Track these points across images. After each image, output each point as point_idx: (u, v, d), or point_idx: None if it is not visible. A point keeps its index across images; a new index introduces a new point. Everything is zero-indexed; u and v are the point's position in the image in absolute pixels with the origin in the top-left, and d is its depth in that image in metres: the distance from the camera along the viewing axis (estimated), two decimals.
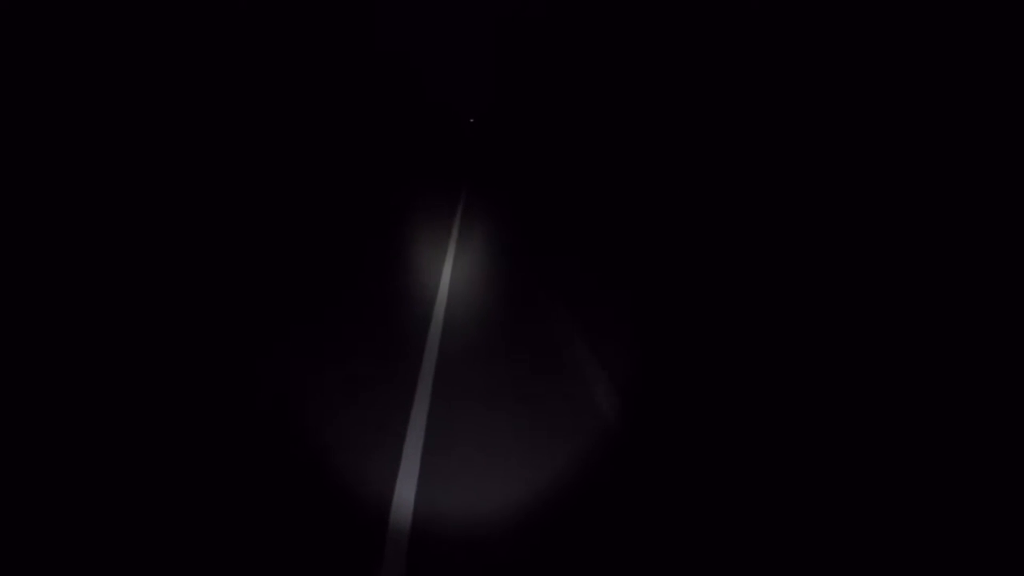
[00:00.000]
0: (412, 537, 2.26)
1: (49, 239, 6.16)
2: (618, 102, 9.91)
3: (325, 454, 2.79)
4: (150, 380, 3.50)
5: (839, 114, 4.66)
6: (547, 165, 13.67)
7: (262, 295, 5.27)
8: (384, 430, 3.03)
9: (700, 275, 6.12)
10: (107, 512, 2.33)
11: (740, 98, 6.18)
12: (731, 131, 6.35)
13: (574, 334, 4.47)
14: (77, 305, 4.78)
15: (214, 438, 2.90)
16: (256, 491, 2.50)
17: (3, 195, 5.95)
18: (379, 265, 6.59)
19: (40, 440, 2.82)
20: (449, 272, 6.40)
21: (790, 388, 3.54)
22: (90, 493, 2.44)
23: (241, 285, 5.57)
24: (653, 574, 2.09)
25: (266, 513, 2.37)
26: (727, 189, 6.37)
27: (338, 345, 4.17)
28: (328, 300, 5.21)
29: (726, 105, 6.48)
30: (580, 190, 12.22)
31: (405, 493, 2.51)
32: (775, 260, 5.32)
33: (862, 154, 4.38)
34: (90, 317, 4.53)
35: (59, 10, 6.66)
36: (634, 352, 4.13)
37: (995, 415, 2.99)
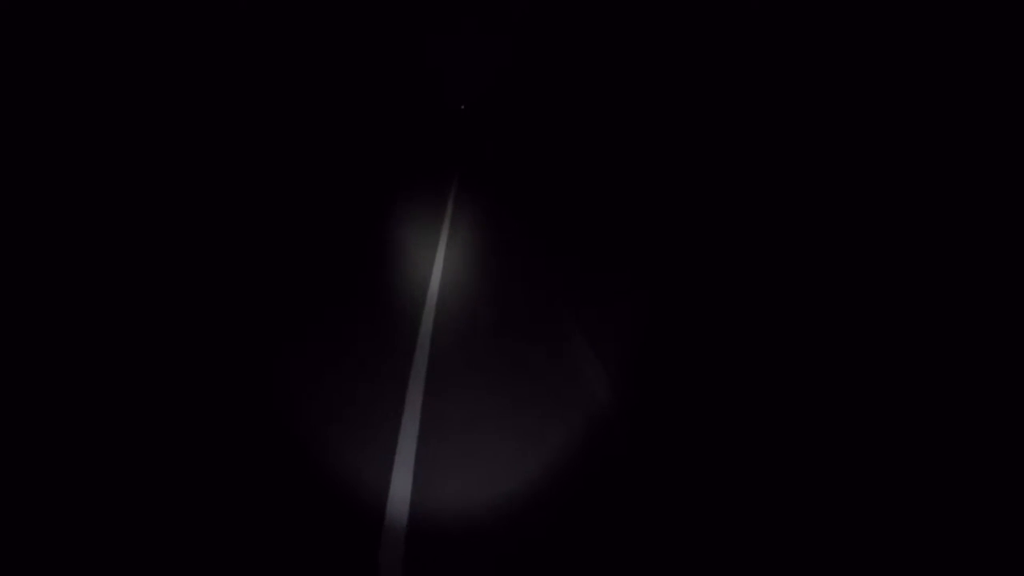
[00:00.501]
0: (409, 531, 2.26)
1: (50, 239, 6.16)
2: (618, 94, 9.92)
3: (319, 449, 2.79)
4: (144, 377, 3.50)
5: (839, 113, 4.66)
6: (541, 153, 13.65)
7: (252, 292, 5.27)
8: (378, 425, 3.03)
9: (697, 268, 6.12)
10: (105, 511, 2.33)
11: (738, 92, 6.18)
12: (730, 125, 6.36)
13: (569, 326, 4.46)
14: (75, 306, 4.79)
15: (208, 435, 2.90)
16: (251, 488, 2.50)
17: (5, 195, 5.96)
18: (369, 258, 6.59)
19: (41, 439, 2.83)
20: (441, 264, 6.40)
21: (786, 380, 3.54)
22: (89, 492, 2.44)
23: (232, 282, 5.57)
24: (649, 567, 2.08)
25: (262, 509, 2.36)
26: (726, 183, 6.37)
27: (329, 340, 4.17)
28: (318, 295, 5.21)
29: (726, 99, 6.49)
30: (575, 180, 12.22)
31: (401, 487, 2.51)
32: (775, 256, 5.32)
33: (862, 153, 4.38)
34: (88, 317, 4.53)
35: (59, 10, 6.66)
36: (630, 345, 4.13)
37: (995, 415, 2.98)
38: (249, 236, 7.79)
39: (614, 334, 4.43)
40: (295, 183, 11.93)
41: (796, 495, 2.51)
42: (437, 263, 6.49)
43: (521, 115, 14.85)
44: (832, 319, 4.34)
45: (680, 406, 3.31)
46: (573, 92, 12.34)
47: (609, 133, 10.49)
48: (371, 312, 4.85)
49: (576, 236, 8.23)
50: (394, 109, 17.45)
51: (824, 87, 4.83)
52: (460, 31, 17.42)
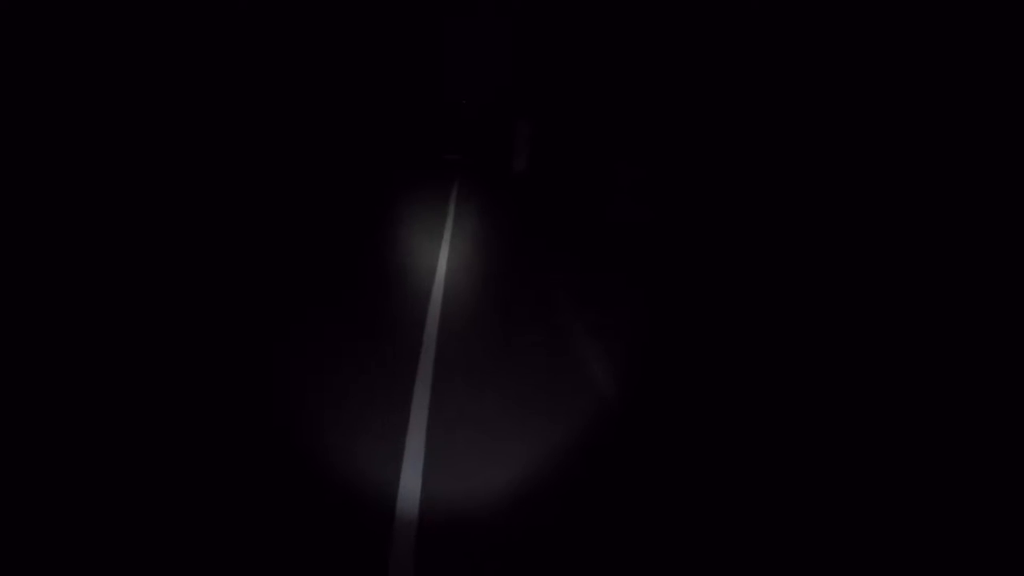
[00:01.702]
0: (420, 527, 2.27)
1: (52, 238, 6.16)
2: (619, 92, 9.92)
3: (327, 447, 2.80)
4: (149, 377, 3.51)
5: (839, 113, 4.67)
6: (544, 145, 13.65)
7: (258, 289, 5.27)
8: (386, 419, 3.05)
9: (701, 264, 6.14)
10: (107, 511, 2.34)
11: (739, 93, 6.19)
12: (731, 125, 6.37)
13: (576, 318, 4.48)
14: (76, 305, 4.78)
15: (213, 434, 2.90)
16: (261, 485, 2.51)
17: (3, 195, 5.95)
18: (374, 253, 6.59)
19: (40, 438, 2.83)
20: (446, 257, 6.42)
21: (785, 371, 3.56)
22: (91, 492, 2.45)
23: (237, 278, 5.57)
24: (660, 558, 2.10)
25: (270, 508, 2.38)
26: (730, 181, 6.39)
27: (336, 338, 4.17)
28: (324, 291, 5.21)
29: (726, 100, 6.50)
30: (577, 172, 12.20)
31: (410, 482, 2.53)
32: (777, 252, 5.34)
33: (864, 152, 4.40)
34: (89, 318, 4.53)
35: (59, 10, 6.65)
36: (636, 336, 4.15)
37: (995, 415, 3.01)
38: (252, 235, 7.78)
39: (617, 320, 4.44)
40: (300, 180, 11.92)
41: (796, 494, 2.53)
42: (442, 257, 6.50)
43: (519, 102, 14.89)
44: (831, 319, 4.36)
45: (683, 393, 3.32)
46: (573, 90, 12.34)
47: (608, 121, 10.48)
48: (376, 306, 4.86)
49: (576, 220, 8.23)
50: (394, 104, 17.45)
51: (824, 87, 4.85)
52: (463, 31, 17.41)
